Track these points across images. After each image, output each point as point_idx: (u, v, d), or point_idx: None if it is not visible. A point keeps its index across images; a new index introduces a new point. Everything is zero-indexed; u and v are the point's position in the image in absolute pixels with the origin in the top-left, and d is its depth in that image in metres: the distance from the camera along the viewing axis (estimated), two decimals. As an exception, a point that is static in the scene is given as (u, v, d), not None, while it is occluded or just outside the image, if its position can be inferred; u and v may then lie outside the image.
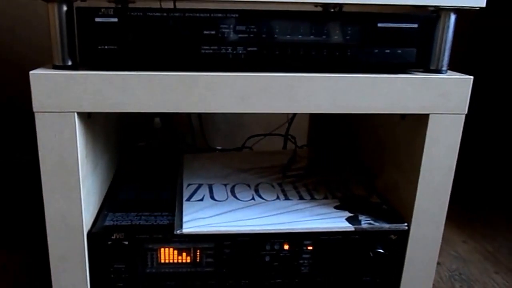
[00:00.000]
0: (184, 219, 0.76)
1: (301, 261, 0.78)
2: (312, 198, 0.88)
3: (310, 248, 0.77)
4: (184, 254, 0.75)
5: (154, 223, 0.75)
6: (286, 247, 0.77)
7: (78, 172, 0.65)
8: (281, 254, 0.77)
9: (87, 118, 0.70)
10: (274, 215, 0.80)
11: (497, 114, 1.54)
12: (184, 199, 0.84)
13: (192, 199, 0.84)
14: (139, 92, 0.63)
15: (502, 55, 1.47)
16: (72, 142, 0.64)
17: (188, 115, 1.30)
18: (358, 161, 1.03)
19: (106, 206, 0.82)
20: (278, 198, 0.87)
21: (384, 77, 0.68)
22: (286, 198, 0.87)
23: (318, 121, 1.31)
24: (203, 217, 0.77)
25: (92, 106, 0.63)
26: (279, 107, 0.67)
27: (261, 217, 0.79)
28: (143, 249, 0.74)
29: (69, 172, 0.65)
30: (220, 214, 0.79)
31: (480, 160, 1.56)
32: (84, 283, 0.72)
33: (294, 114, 1.22)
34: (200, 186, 0.91)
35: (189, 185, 0.91)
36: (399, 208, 0.82)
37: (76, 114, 0.64)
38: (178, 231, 0.72)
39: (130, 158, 1.10)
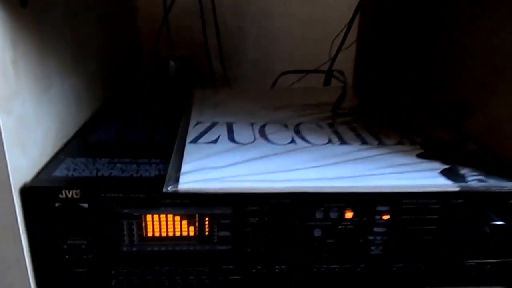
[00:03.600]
0: (184, 168, 0.47)
1: (370, 238, 0.48)
2: (381, 143, 0.57)
3: (385, 217, 0.47)
4: (182, 224, 0.46)
5: (135, 175, 0.46)
6: (348, 215, 0.47)
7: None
8: (339, 227, 0.47)
9: (20, 8, 0.41)
10: (327, 165, 0.50)
11: None
12: (188, 140, 0.54)
13: (201, 141, 0.55)
14: None
15: None
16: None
17: (209, 56, 1.00)
18: (433, 95, 0.71)
19: (66, 148, 0.53)
20: (330, 141, 0.57)
21: None
22: (343, 142, 0.56)
23: (371, 51, 0.98)
24: (214, 166, 0.48)
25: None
26: None
27: (307, 168, 0.49)
28: (116, 217, 0.45)
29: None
30: (243, 162, 0.49)
31: None
32: (21, 268, 0.44)
33: (339, 48, 0.91)
34: (214, 124, 0.61)
35: (198, 123, 0.61)
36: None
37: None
38: (169, 188, 0.43)
39: (122, 92, 0.80)
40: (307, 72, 0.94)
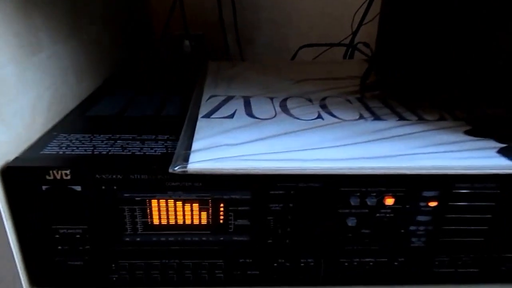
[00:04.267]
0: (194, 146, 0.39)
1: (412, 228, 0.40)
2: (421, 119, 0.49)
3: (432, 204, 0.40)
4: (193, 211, 0.39)
5: (138, 153, 0.39)
6: (388, 201, 0.40)
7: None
8: (377, 215, 0.40)
9: None
10: (361, 143, 0.42)
11: None
12: (200, 115, 0.47)
13: (214, 115, 0.48)
14: None
15: None
16: None
17: (225, 35, 0.93)
18: (475, 66, 0.62)
19: (61, 124, 0.46)
20: (362, 117, 0.49)
21: None
22: (377, 118, 0.49)
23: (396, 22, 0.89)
24: (230, 143, 0.40)
25: None
26: None
27: (338, 146, 0.41)
28: (115, 202, 0.38)
29: None
30: (264, 139, 0.42)
31: None
32: (8, 261, 0.37)
33: (362, 20, 0.83)
34: (229, 98, 0.53)
35: (211, 97, 0.54)
36: None
37: None
38: (177, 168, 0.36)
39: (131, 67, 0.73)
40: (330, 45, 0.86)
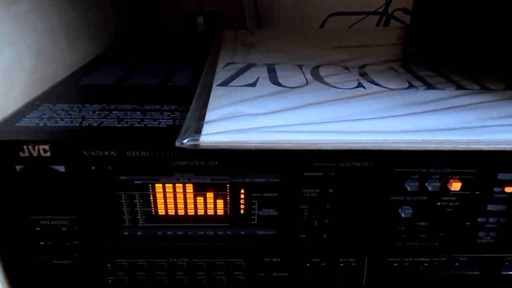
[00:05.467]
0: (208, 116, 0.31)
1: (481, 220, 0.32)
2: (484, 88, 0.40)
3: (509, 190, 0.31)
4: (207, 198, 0.31)
5: (137, 125, 0.31)
6: (454, 186, 0.31)
7: None
8: (438, 204, 0.31)
9: None
10: (416, 114, 0.33)
11: None
12: (216, 83, 0.39)
13: (233, 83, 0.39)
14: None
15: None
16: None
17: (242, 11, 0.85)
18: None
19: (47, 93, 0.38)
20: (412, 86, 0.40)
21: None
22: (430, 87, 0.40)
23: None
24: (253, 113, 0.32)
25: None
26: None
27: (388, 117, 0.32)
28: (108, 187, 0.30)
29: None
30: (296, 108, 0.33)
31: None
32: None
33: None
34: (250, 66, 0.45)
35: (228, 64, 0.45)
36: None
37: None
38: (186, 141, 0.27)
39: (135, 39, 0.65)
40: (363, 13, 0.76)
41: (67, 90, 0.40)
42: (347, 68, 0.45)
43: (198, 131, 0.29)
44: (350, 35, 0.64)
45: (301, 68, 0.45)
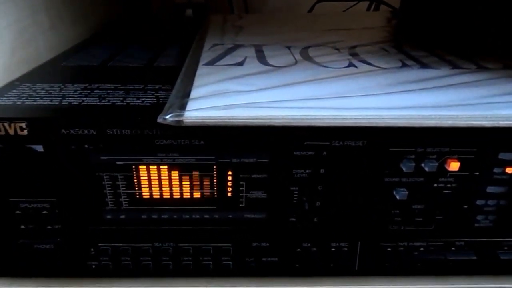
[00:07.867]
0: (194, 93, 0.30)
1: (479, 203, 0.31)
2: (480, 67, 0.38)
3: (510, 171, 0.30)
4: (193, 180, 0.29)
5: (119, 104, 0.29)
6: (452, 166, 0.30)
7: None
8: (435, 185, 0.30)
9: None
10: (412, 91, 0.32)
11: None
12: (202, 62, 0.37)
13: (219, 63, 0.37)
14: None
15: None
16: None
17: (231, 4, 0.84)
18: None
19: (28, 74, 0.37)
20: (405, 65, 0.38)
21: None
22: (425, 66, 0.38)
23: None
24: (241, 90, 0.30)
25: None
26: None
27: (382, 93, 0.31)
28: (90, 167, 0.28)
29: None
30: (284, 86, 0.32)
31: None
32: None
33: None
34: (238, 46, 0.43)
35: (215, 45, 0.44)
36: None
37: None
38: (169, 117, 0.26)
39: (123, 26, 0.63)
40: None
41: (49, 71, 0.38)
42: (337, 49, 0.44)
43: (182, 107, 0.28)
44: (340, 18, 0.63)
45: (289, 49, 0.43)
